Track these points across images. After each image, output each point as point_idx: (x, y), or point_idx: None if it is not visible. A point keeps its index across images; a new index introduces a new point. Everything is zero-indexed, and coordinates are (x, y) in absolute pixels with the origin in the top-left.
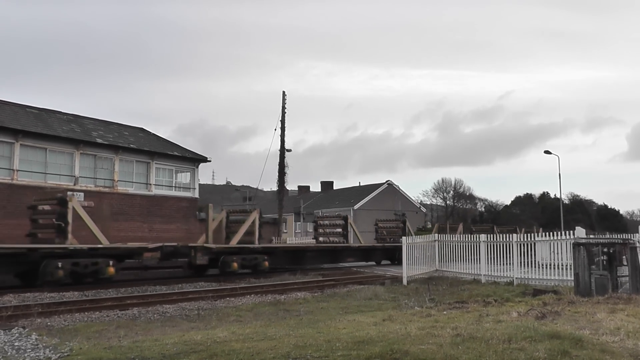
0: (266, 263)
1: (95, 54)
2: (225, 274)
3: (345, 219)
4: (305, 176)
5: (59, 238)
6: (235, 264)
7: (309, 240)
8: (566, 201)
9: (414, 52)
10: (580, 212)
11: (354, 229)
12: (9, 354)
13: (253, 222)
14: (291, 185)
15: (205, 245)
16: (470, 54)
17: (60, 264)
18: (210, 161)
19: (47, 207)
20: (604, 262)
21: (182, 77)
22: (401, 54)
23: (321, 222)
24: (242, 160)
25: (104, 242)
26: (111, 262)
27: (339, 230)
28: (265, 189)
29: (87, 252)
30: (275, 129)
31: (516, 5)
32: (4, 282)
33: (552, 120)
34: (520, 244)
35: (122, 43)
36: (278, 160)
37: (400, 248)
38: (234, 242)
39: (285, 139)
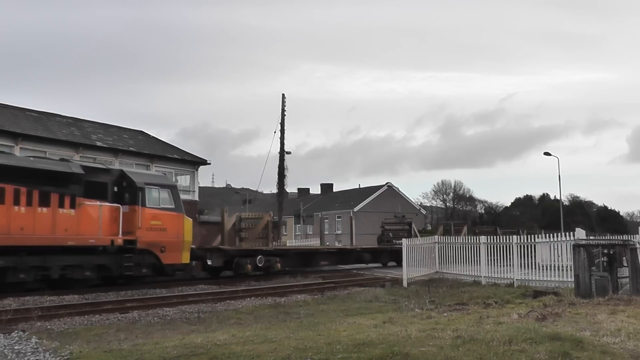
0: None
1: (97, 56)
2: None
3: None
4: (307, 179)
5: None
6: None
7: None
8: (566, 203)
9: (417, 54)
10: (580, 213)
11: None
12: (9, 357)
13: (465, 232)
14: (291, 188)
15: None
16: (474, 57)
17: None
18: (209, 164)
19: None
20: (604, 263)
21: (185, 80)
22: (404, 57)
23: None
24: (244, 163)
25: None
26: None
27: None
28: (265, 192)
29: None
30: (275, 132)
31: (519, 7)
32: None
33: (553, 123)
34: (521, 246)
35: (124, 46)
36: (278, 163)
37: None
38: None
39: (287, 142)
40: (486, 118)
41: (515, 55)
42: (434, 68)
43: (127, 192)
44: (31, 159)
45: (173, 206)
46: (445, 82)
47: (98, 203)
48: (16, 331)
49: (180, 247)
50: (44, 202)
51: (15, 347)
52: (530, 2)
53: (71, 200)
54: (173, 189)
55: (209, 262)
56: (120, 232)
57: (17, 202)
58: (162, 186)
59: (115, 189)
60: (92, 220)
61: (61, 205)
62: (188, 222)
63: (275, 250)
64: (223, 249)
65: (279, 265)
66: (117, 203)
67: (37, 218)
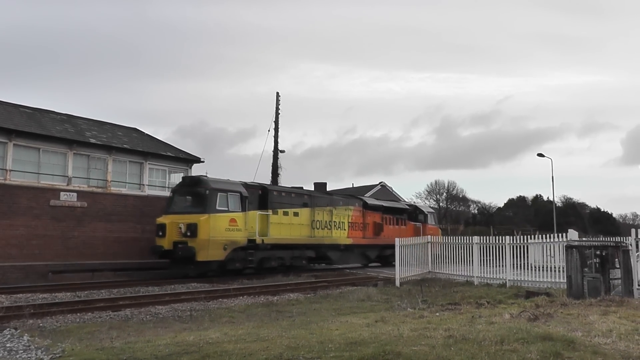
0: None
1: (94, 53)
2: None
3: None
4: (302, 178)
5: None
6: None
7: None
8: (559, 204)
9: (415, 54)
10: (573, 215)
11: None
12: (0, 355)
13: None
14: None
15: None
16: (472, 58)
17: None
18: (203, 162)
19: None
20: (597, 264)
21: (183, 78)
22: (403, 57)
23: None
24: (240, 161)
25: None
26: None
27: None
28: None
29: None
30: (269, 130)
31: (518, 9)
32: None
33: (549, 125)
34: (513, 246)
35: (122, 43)
36: (272, 162)
37: None
38: None
39: (284, 141)
40: (482, 119)
41: (513, 57)
42: (432, 68)
43: (419, 217)
44: (394, 202)
45: (434, 223)
46: (442, 83)
47: (412, 223)
48: (8, 329)
49: None
50: (397, 223)
51: (7, 345)
52: (528, 4)
53: (404, 222)
54: (436, 214)
55: None
56: None
57: (389, 223)
58: (432, 213)
59: (414, 215)
60: (411, 231)
61: (401, 224)
62: (439, 230)
63: None
64: None
65: None
66: (417, 222)
67: (393, 231)
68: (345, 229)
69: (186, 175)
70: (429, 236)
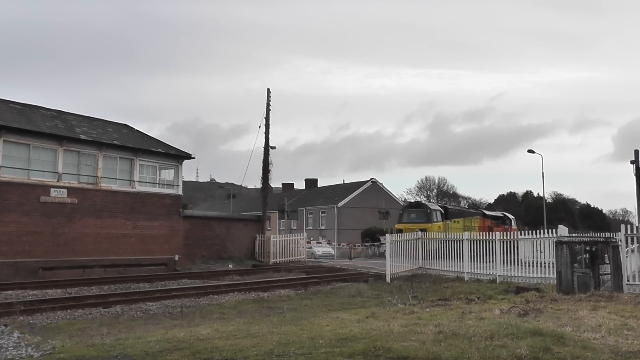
0: None
1: (89, 49)
2: None
3: None
4: (296, 174)
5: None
6: None
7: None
8: (549, 200)
9: (409, 51)
10: (564, 211)
11: None
12: None
13: None
14: (275, 183)
15: None
16: (465, 54)
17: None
18: (194, 158)
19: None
20: (587, 260)
21: (178, 74)
22: (397, 53)
23: None
24: (232, 157)
25: None
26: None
27: None
28: (249, 187)
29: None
30: (260, 126)
31: (512, 6)
32: None
33: (541, 121)
34: (503, 242)
35: (114, 39)
36: (262, 158)
37: None
38: None
39: (278, 137)
40: (475, 116)
41: (506, 53)
42: (426, 65)
43: (507, 221)
44: (495, 212)
45: (515, 226)
46: (436, 79)
47: (503, 226)
48: None
49: None
50: (497, 226)
51: None
52: (522, 0)
53: (500, 225)
54: (515, 219)
55: None
56: None
57: (495, 226)
58: (514, 219)
59: (504, 220)
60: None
61: (499, 227)
62: (515, 228)
63: None
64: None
65: None
66: (506, 225)
67: (497, 231)
68: (476, 231)
69: (184, 174)
70: (419, 232)
